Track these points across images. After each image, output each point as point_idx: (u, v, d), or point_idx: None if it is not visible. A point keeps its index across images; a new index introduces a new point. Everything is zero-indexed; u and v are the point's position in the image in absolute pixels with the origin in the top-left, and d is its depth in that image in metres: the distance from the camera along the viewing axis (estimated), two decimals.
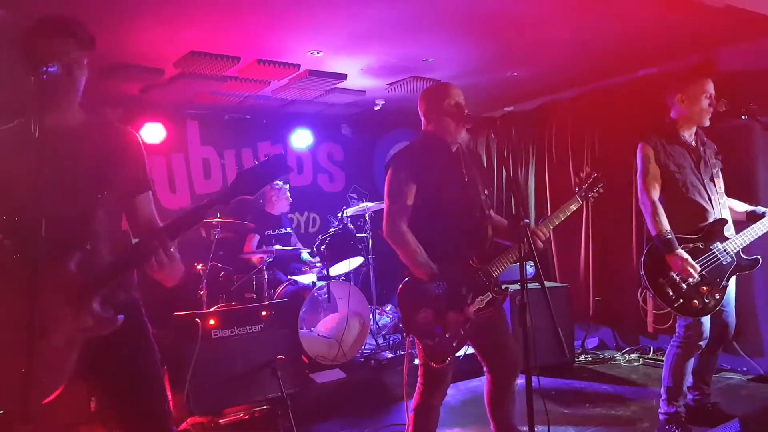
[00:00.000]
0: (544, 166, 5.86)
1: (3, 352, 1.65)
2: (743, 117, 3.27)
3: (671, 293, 3.01)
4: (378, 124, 7.07)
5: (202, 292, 4.61)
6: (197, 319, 3.45)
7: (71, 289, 1.72)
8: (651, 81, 4.88)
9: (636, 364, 4.81)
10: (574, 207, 2.71)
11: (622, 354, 5.02)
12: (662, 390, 3.21)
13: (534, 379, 2.14)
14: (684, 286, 2.99)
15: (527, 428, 2.15)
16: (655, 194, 3.10)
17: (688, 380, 3.22)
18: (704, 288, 2.99)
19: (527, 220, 2.36)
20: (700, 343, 3.06)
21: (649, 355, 4.88)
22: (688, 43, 4.27)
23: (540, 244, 2.58)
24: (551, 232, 3.07)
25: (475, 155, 2.92)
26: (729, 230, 3.08)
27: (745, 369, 4.33)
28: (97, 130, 1.92)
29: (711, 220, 3.07)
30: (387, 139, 7.33)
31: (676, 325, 3.16)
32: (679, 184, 3.09)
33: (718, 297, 3.01)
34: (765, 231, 3.05)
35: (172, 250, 1.74)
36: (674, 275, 3.00)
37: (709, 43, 4.29)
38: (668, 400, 3.16)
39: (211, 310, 4.02)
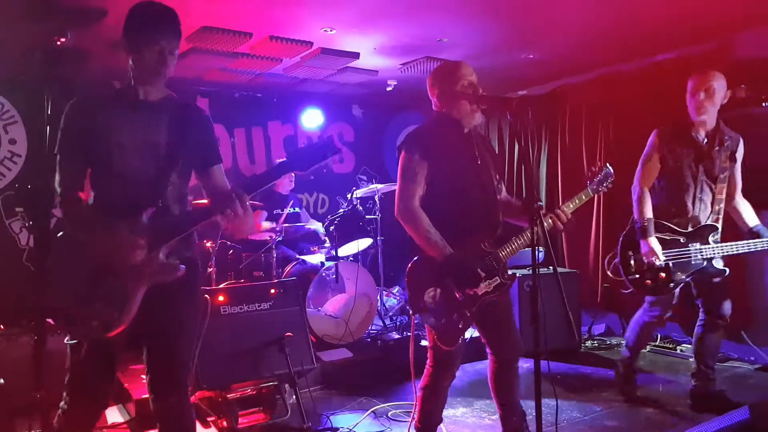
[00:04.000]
0: (556, 151, 5.81)
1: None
2: (764, 104, 3.22)
3: (632, 265, 3.32)
4: (389, 106, 7.02)
5: (211, 270, 4.63)
6: (206, 295, 3.46)
7: (143, 238, 1.93)
8: (668, 66, 4.79)
9: (643, 351, 4.78)
10: (584, 198, 2.67)
11: None
12: (624, 347, 3.73)
13: (543, 363, 2.13)
14: (646, 265, 3.25)
15: (534, 408, 2.15)
16: (647, 182, 3.32)
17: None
18: (662, 274, 3.22)
19: (540, 203, 2.32)
20: (663, 315, 3.42)
21: (656, 343, 4.86)
22: (708, 27, 4.18)
23: (560, 226, 2.55)
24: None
25: (486, 140, 2.88)
26: (715, 236, 3.23)
27: (752, 358, 4.31)
28: (178, 107, 2.14)
29: (690, 219, 3.26)
30: (398, 120, 7.28)
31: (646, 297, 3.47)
32: (672, 179, 3.27)
33: (671, 286, 3.25)
34: (748, 250, 3.17)
35: (247, 203, 1.96)
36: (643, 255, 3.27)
37: (729, 27, 4.19)
38: (629, 350, 3.67)
39: (221, 286, 4.04)
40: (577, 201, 2.65)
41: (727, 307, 3.30)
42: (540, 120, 5.95)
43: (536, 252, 2.23)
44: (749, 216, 3.31)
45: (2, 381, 3.13)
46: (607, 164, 2.70)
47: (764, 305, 4.28)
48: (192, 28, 3.96)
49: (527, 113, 6.02)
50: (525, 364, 4.51)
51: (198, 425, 3.40)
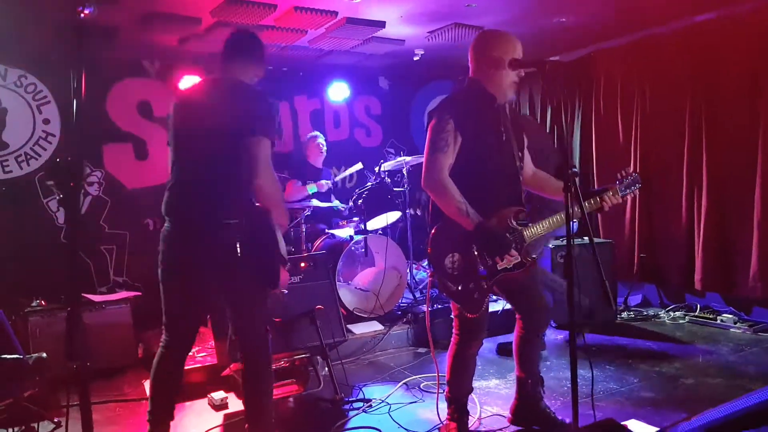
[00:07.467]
0: (590, 119, 5.64)
1: None
2: None
3: None
4: (417, 76, 6.90)
5: None
6: None
7: None
8: (708, 28, 4.57)
9: (681, 321, 4.69)
10: (612, 195, 2.63)
11: (667, 311, 4.90)
12: None
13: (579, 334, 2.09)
14: None
15: (570, 379, 2.11)
16: None
17: None
18: None
19: (575, 169, 2.24)
20: None
21: (696, 313, 4.74)
22: None
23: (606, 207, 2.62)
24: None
25: (516, 114, 2.81)
26: None
27: None
28: None
29: None
30: (426, 91, 7.16)
31: None
32: None
33: None
34: None
35: None
36: None
37: None
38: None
39: None
40: (611, 193, 2.63)
41: None
42: (573, 87, 5.77)
43: (570, 222, 2.18)
44: None
45: (44, 355, 3.23)
46: (636, 173, 2.69)
47: None
48: (217, 1, 3.92)
49: (560, 78, 5.84)
50: (560, 336, 4.47)
51: (233, 397, 3.47)
